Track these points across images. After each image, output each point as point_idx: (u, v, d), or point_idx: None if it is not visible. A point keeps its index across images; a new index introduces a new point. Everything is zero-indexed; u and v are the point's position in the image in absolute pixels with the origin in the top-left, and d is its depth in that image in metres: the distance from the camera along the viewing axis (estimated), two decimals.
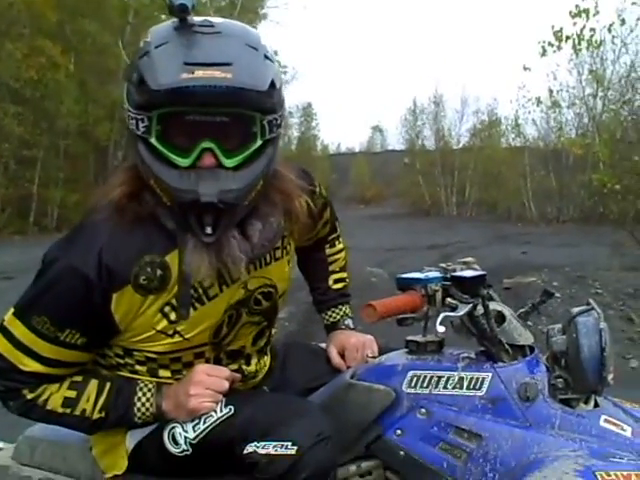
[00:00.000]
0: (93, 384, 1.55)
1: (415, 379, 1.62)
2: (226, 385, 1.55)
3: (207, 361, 1.60)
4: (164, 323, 1.48)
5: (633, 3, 13.08)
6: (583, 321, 1.59)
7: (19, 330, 1.47)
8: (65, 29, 24.86)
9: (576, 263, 10.80)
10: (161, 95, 1.31)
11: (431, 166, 37.41)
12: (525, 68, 15.45)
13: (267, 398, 1.66)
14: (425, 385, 1.61)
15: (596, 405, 1.61)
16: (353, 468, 1.65)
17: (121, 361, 1.57)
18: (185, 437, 1.52)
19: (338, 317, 1.95)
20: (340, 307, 1.96)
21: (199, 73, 1.30)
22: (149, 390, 1.55)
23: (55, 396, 1.53)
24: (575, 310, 1.64)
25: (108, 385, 1.55)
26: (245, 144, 1.39)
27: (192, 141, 1.35)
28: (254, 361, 1.70)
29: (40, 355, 1.48)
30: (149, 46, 1.37)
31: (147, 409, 1.54)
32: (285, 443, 1.43)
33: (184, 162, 1.36)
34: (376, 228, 25.94)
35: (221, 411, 1.53)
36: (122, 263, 1.42)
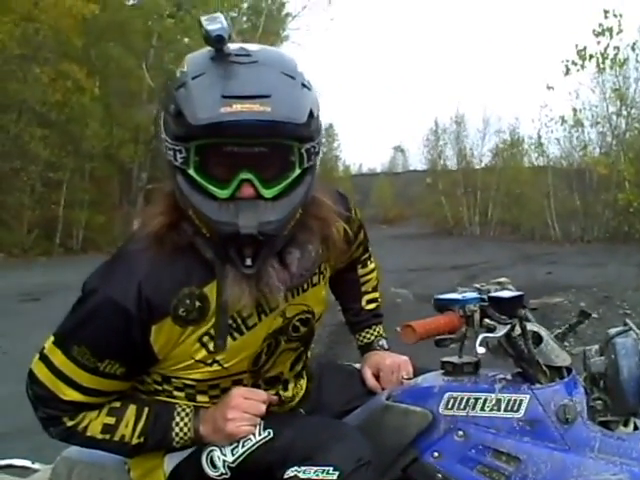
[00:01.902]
0: (132, 410, 1.55)
1: (452, 401, 1.61)
2: (263, 408, 1.55)
3: (245, 387, 1.59)
4: (203, 353, 1.48)
5: None
6: (622, 342, 1.57)
7: (59, 359, 1.48)
8: (90, 53, 25.30)
9: (603, 283, 10.71)
10: (199, 129, 1.30)
11: (453, 186, 37.28)
12: (548, 87, 15.50)
13: (306, 421, 1.65)
14: (462, 407, 1.60)
15: (636, 428, 1.59)
16: None
17: (159, 387, 1.58)
18: (224, 460, 1.52)
19: (372, 338, 1.94)
20: (374, 327, 1.95)
21: (237, 107, 1.28)
22: (187, 415, 1.55)
23: (94, 423, 1.53)
24: (613, 331, 1.63)
25: (146, 410, 1.55)
26: (284, 173, 1.37)
27: (231, 172, 1.34)
28: (291, 386, 1.70)
29: (80, 385, 1.49)
30: (186, 77, 1.35)
31: (185, 433, 1.54)
32: (326, 468, 1.43)
33: (223, 194, 1.34)
34: (399, 248, 25.84)
35: (260, 434, 1.53)
36: (161, 295, 1.42)
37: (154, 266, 1.44)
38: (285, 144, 1.36)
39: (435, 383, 1.67)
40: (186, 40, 26.74)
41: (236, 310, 1.47)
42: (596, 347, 1.67)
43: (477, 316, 1.57)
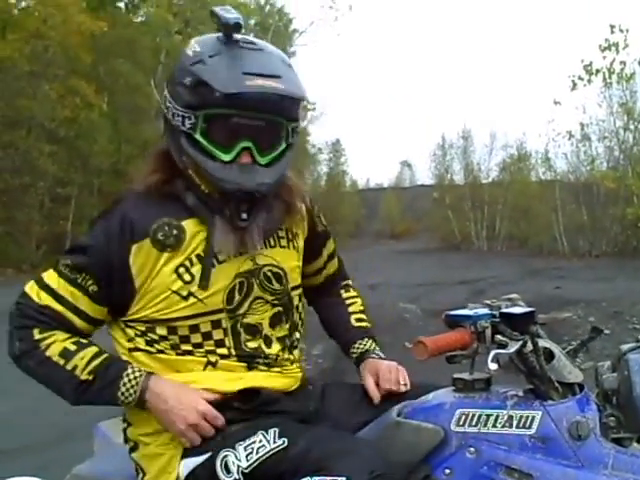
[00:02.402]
0: (93, 348, 1.66)
1: (464, 417, 1.60)
2: (211, 433, 1.62)
3: (225, 332, 1.68)
4: (179, 284, 1.63)
5: None
6: (635, 358, 1.56)
7: (48, 274, 1.68)
8: (99, 70, 25.44)
9: (612, 298, 10.64)
10: (223, 98, 1.54)
11: (461, 201, 37.28)
12: (555, 102, 15.51)
13: (321, 433, 1.64)
14: (474, 424, 1.59)
15: None
16: None
17: (148, 338, 1.67)
18: (238, 466, 1.54)
19: (366, 347, 1.95)
20: (366, 340, 1.96)
21: (259, 82, 1.54)
22: (139, 371, 1.64)
23: (58, 344, 1.63)
24: (625, 347, 1.62)
25: (105, 355, 1.66)
26: (275, 145, 1.65)
27: (233, 139, 1.60)
28: (275, 346, 1.75)
29: (56, 291, 1.64)
30: (202, 55, 1.60)
31: (132, 387, 1.62)
32: (339, 478, 1.42)
33: (226, 157, 1.60)
34: (407, 263, 25.82)
35: (274, 442, 1.54)
36: (143, 220, 1.64)
37: (140, 201, 1.68)
38: (278, 121, 1.64)
39: (446, 400, 1.66)
40: None
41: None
42: (608, 363, 1.66)
43: (489, 332, 1.57)
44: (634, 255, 21.28)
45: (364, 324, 1.99)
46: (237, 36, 1.61)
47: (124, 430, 1.76)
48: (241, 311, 1.70)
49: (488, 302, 1.67)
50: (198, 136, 1.60)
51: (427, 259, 28.20)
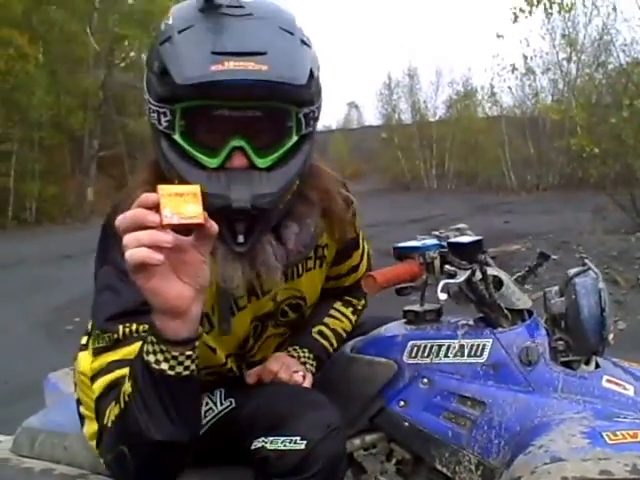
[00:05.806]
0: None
1: (415, 349, 1.61)
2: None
3: (229, 371, 1.52)
4: (204, 335, 1.34)
5: None
6: (581, 282, 1.59)
7: (85, 362, 1.31)
8: (31, 18, 24.48)
9: (559, 229, 10.85)
10: (187, 89, 1.19)
11: (409, 140, 37.27)
12: (498, 36, 15.40)
13: (270, 389, 1.53)
14: (426, 355, 1.60)
15: (597, 366, 1.60)
16: (357, 442, 1.64)
17: None
18: None
19: (298, 355, 1.64)
20: (307, 352, 1.64)
21: (230, 65, 1.16)
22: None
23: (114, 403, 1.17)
24: (572, 271, 1.64)
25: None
26: (280, 141, 1.27)
27: (221, 139, 1.23)
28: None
29: (105, 367, 1.23)
30: (171, 30, 1.23)
31: (154, 342, 1.08)
32: (294, 438, 1.32)
33: (212, 162, 1.24)
34: (357, 205, 25.86)
35: (221, 404, 1.49)
36: None
37: None
38: (282, 108, 1.26)
39: (398, 332, 1.67)
40: (130, 1, 26.08)
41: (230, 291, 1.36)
42: (556, 288, 1.68)
43: (437, 263, 1.56)
44: (579, 186, 21.65)
45: (322, 341, 1.68)
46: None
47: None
48: (251, 353, 1.56)
49: (437, 233, 1.66)
50: (177, 137, 1.24)
51: (378, 200, 28.25)
